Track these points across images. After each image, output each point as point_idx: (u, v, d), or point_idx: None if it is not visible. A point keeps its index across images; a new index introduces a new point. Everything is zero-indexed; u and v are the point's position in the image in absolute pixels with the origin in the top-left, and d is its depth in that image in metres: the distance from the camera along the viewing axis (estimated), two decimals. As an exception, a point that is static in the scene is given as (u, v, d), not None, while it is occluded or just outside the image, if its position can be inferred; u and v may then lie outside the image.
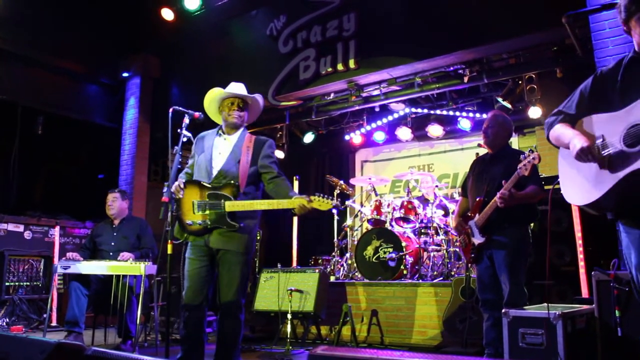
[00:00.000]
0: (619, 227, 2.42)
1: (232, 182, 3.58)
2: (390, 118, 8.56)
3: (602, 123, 2.40)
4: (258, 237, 6.75)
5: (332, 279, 6.79)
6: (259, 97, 3.95)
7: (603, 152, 2.34)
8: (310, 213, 3.42)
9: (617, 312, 3.44)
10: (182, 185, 3.57)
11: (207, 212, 3.57)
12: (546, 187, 5.45)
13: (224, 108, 3.81)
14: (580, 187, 2.44)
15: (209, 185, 3.62)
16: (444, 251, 6.44)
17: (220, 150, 3.75)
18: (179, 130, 3.68)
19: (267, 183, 3.70)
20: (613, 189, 2.27)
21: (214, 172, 3.66)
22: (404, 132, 8.50)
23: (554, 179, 5.72)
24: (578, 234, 5.26)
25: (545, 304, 4.21)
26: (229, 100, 3.81)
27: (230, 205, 3.51)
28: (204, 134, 3.89)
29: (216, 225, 3.56)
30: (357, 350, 1.55)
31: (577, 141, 2.38)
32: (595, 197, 2.34)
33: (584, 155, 2.34)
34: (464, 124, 8.03)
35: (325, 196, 3.38)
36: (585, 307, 3.87)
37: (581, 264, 5.16)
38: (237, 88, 3.86)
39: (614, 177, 2.26)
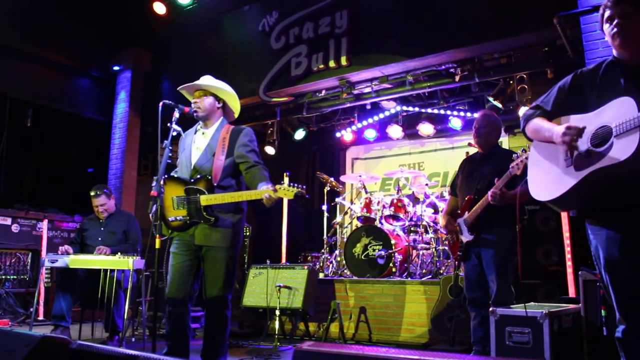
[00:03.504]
0: (587, 228, 2.45)
1: (206, 175, 3.59)
2: (381, 116, 8.56)
3: (575, 124, 2.42)
4: (247, 233, 6.73)
5: (321, 275, 6.79)
6: (213, 82, 3.85)
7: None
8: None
9: (602, 311, 3.47)
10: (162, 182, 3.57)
11: (186, 207, 3.58)
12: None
13: None
14: (546, 183, 2.48)
15: (186, 181, 3.64)
16: (433, 249, 6.45)
17: (198, 145, 3.76)
18: (169, 125, 3.66)
19: (244, 173, 3.68)
20: (575, 187, 2.31)
21: (192, 168, 3.68)
22: (394, 130, 8.50)
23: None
24: (566, 234, 5.30)
25: (533, 303, 4.25)
26: (191, 97, 3.84)
27: (205, 199, 3.51)
28: (186, 132, 3.89)
29: (195, 220, 3.56)
30: (343, 346, 1.55)
31: (560, 127, 2.40)
32: (558, 193, 2.38)
33: (571, 132, 2.34)
34: (455, 123, 8.04)
35: (291, 184, 3.36)
36: (571, 306, 3.91)
37: (569, 263, 5.20)
38: (202, 80, 3.86)
39: (577, 176, 2.31)
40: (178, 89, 3.90)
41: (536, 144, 2.62)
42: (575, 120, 2.45)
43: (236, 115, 4.01)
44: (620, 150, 2.16)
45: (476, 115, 4.42)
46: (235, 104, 3.94)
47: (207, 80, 3.84)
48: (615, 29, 2.35)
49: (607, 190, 2.28)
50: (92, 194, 5.75)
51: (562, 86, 2.57)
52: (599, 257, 2.37)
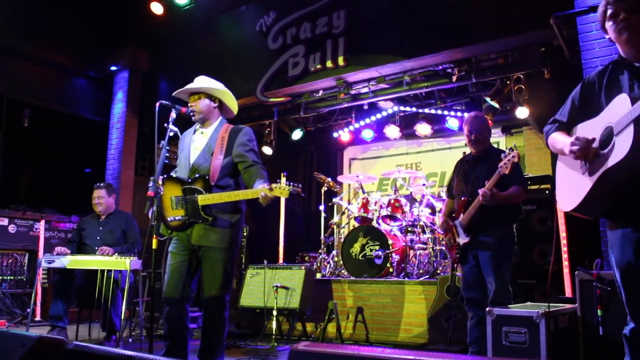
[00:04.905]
0: (600, 224, 2.46)
1: (204, 175, 3.59)
2: (378, 116, 8.56)
3: (587, 130, 2.44)
4: (244, 233, 6.73)
5: (319, 276, 6.80)
6: (205, 83, 3.84)
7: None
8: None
9: (599, 311, 3.47)
10: (160, 183, 3.57)
11: (184, 207, 3.58)
12: (531, 187, 5.53)
13: None
14: (568, 193, 2.48)
15: (185, 180, 3.63)
16: (430, 249, 6.46)
17: (197, 144, 3.75)
18: (165, 125, 3.66)
19: (242, 173, 3.67)
20: (590, 193, 2.31)
21: (190, 167, 3.68)
22: (392, 131, 8.50)
23: (541, 179, 5.81)
24: (562, 234, 5.30)
25: (529, 303, 4.26)
26: (187, 100, 3.83)
27: (203, 199, 3.51)
28: (185, 132, 3.89)
29: (193, 220, 3.56)
30: (339, 346, 1.55)
31: (569, 139, 2.41)
32: (577, 201, 2.39)
33: (580, 145, 2.32)
34: (452, 123, 8.04)
35: (287, 183, 3.36)
36: (568, 306, 3.91)
37: (565, 263, 5.21)
38: (195, 81, 3.86)
39: (591, 181, 2.31)
40: (173, 94, 3.90)
41: (561, 157, 2.62)
42: (582, 127, 2.47)
43: (235, 111, 4.00)
44: (620, 148, 2.16)
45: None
46: (231, 101, 3.92)
47: (199, 83, 3.83)
48: (621, 24, 2.34)
49: (619, 190, 2.27)
50: (95, 185, 5.84)
51: (574, 96, 2.60)
52: (612, 255, 2.37)
